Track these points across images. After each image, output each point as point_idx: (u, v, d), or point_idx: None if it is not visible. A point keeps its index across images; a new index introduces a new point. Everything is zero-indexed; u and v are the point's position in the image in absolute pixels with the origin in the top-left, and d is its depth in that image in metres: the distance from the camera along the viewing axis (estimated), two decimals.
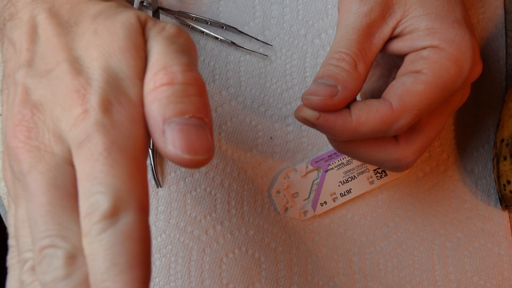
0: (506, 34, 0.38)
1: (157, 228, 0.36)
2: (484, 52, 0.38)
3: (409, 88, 0.26)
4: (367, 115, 0.26)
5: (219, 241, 0.36)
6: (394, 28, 0.27)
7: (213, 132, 0.37)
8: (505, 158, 0.34)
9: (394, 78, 0.31)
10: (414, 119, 0.26)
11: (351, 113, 0.26)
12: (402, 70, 0.27)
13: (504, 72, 0.37)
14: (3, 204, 0.38)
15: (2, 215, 0.38)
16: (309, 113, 0.27)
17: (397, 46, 0.28)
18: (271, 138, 0.37)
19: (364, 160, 0.29)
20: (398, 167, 0.29)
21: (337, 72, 0.26)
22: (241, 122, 0.37)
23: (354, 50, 0.27)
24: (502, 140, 0.35)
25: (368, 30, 0.27)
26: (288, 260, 0.36)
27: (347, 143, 0.28)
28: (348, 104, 0.27)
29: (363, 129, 0.26)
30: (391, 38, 0.28)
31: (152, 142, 0.36)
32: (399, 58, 0.31)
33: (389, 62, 0.32)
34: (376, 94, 0.32)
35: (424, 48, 0.26)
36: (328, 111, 0.26)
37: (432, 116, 0.28)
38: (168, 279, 0.36)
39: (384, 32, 0.27)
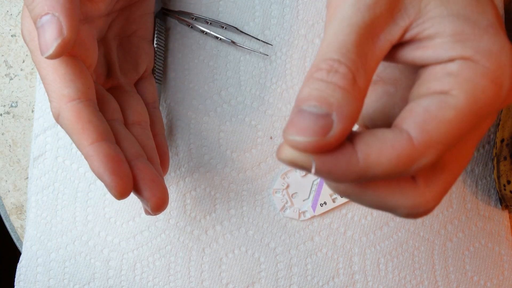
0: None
1: (157, 228, 0.36)
2: None
3: (435, 115, 0.19)
4: (379, 152, 0.19)
5: (219, 241, 0.36)
6: (406, 30, 0.21)
7: (213, 131, 0.37)
8: (505, 158, 0.34)
9: (402, 96, 0.25)
10: (440, 155, 0.20)
11: (356, 150, 0.19)
12: (422, 88, 0.20)
13: None
14: (3, 204, 0.38)
15: (2, 215, 0.38)
16: (301, 158, 0.19)
17: (412, 54, 0.21)
18: (271, 138, 0.37)
19: (372, 205, 0.22)
20: (415, 214, 0.22)
21: (328, 93, 0.19)
22: (240, 122, 0.37)
23: (351, 56, 0.19)
24: (502, 140, 0.35)
25: (371, 28, 0.20)
26: (287, 260, 0.36)
27: (350, 186, 0.21)
28: (350, 136, 0.20)
29: (374, 172, 0.19)
30: (403, 43, 0.21)
31: None
32: (409, 71, 0.25)
33: (394, 75, 0.25)
34: (378, 118, 0.25)
35: (452, 60, 0.20)
36: (323, 152, 0.19)
37: (457, 147, 0.21)
38: (168, 279, 0.36)
39: (393, 33, 0.20)
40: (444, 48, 0.20)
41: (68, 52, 0.26)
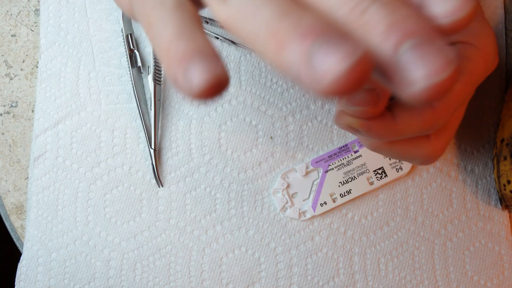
0: (506, 34, 0.38)
1: (157, 228, 0.36)
2: None
3: None
4: (410, 118, 0.25)
5: (219, 241, 0.36)
6: None
7: (214, 131, 0.37)
8: (505, 158, 0.34)
9: None
10: (450, 117, 0.26)
11: (394, 116, 0.26)
12: None
13: (504, 72, 0.37)
14: (3, 204, 0.38)
15: (2, 215, 0.38)
16: (356, 122, 0.26)
17: None
18: (271, 138, 0.37)
19: (396, 156, 0.29)
20: (428, 161, 0.29)
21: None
22: (241, 122, 0.37)
23: None
24: (502, 140, 0.35)
25: None
26: (288, 260, 0.36)
27: (382, 143, 0.28)
28: (388, 106, 0.26)
29: (407, 131, 0.26)
30: None
31: (154, 143, 0.36)
32: None
33: None
34: None
35: (454, 44, 0.26)
36: (372, 118, 0.26)
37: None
38: (168, 279, 0.36)
39: None
40: None
41: None
